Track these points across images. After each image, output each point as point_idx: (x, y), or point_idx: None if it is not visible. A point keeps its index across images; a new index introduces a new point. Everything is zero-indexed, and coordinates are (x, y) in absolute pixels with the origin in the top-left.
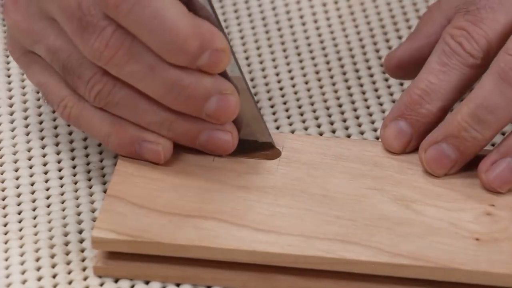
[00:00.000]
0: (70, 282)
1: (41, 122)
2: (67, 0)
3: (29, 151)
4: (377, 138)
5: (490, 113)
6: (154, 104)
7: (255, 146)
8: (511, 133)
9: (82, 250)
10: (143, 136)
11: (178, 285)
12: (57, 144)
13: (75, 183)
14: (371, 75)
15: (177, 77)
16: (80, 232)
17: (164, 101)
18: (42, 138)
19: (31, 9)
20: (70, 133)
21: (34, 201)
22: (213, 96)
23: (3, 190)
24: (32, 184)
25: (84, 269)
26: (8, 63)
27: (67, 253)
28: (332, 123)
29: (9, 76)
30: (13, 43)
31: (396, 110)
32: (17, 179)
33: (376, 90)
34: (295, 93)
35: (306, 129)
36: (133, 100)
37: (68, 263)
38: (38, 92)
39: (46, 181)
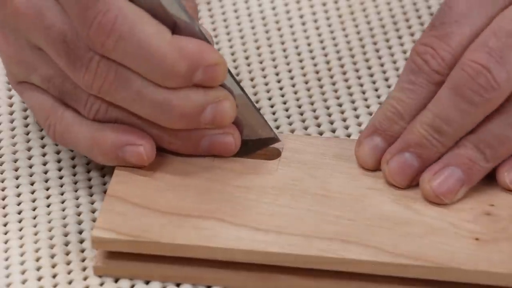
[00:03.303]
0: (70, 282)
1: None
2: (53, 34)
3: (28, 150)
4: None
5: (446, 124)
6: (149, 121)
7: (260, 144)
8: (454, 146)
9: (82, 250)
10: (123, 140)
11: (178, 285)
12: (57, 144)
13: (75, 183)
14: (371, 75)
15: (165, 98)
16: (80, 232)
17: (158, 122)
18: (42, 138)
19: (20, 41)
20: None
21: (34, 201)
22: (207, 107)
23: (3, 190)
24: (32, 184)
25: (84, 269)
26: None
27: (67, 253)
28: (331, 123)
29: None
30: (9, 73)
31: (371, 127)
32: (17, 179)
33: (376, 90)
34: (295, 93)
35: (305, 128)
36: (130, 118)
37: (68, 263)
38: None
39: (46, 181)
